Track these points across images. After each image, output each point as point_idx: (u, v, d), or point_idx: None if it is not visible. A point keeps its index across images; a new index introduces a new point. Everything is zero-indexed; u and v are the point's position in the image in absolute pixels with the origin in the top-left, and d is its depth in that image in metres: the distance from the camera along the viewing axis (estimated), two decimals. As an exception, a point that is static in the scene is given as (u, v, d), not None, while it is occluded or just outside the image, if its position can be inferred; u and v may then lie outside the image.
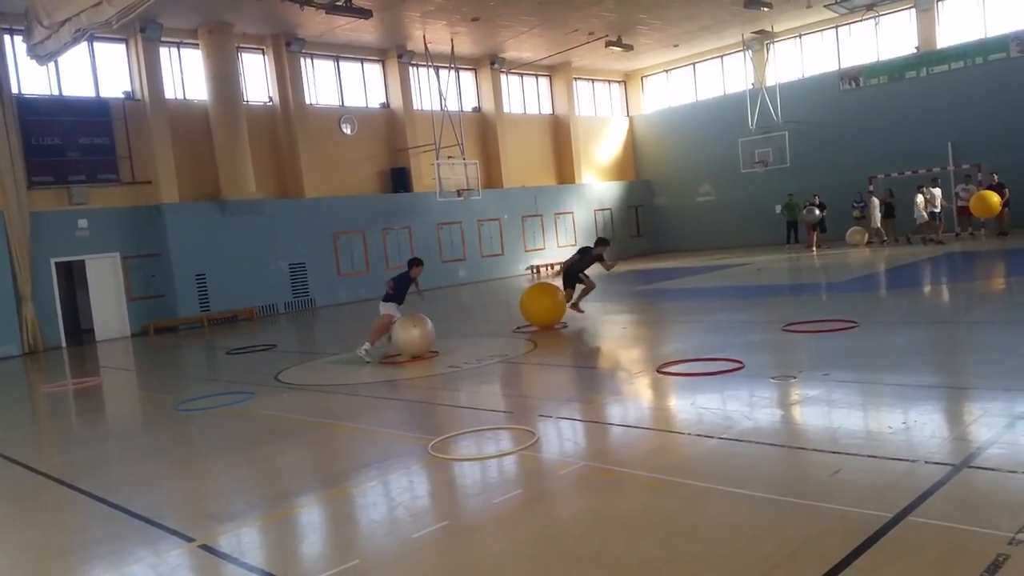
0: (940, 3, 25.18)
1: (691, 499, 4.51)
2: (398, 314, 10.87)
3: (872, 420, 5.87)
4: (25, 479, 6.56)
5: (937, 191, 22.37)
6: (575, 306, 13.02)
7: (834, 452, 4.98)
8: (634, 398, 7.47)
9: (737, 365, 7.88)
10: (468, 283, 25.86)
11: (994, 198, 20.84)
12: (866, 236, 23.77)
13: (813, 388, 6.77)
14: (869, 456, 4.83)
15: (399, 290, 11.16)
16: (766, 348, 9.19)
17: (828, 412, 6.13)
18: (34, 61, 16.21)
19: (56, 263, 18.39)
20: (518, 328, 12.61)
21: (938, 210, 22.24)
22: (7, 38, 17.79)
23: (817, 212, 24.63)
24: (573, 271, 12.98)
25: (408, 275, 11.28)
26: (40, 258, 17.87)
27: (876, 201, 23.91)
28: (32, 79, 18.40)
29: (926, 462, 4.61)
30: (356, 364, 10.69)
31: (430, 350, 10.70)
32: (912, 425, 5.44)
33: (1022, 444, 4.81)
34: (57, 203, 18.37)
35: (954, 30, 25.05)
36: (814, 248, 24.29)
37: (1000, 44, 23.87)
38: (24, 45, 16.31)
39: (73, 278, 20.04)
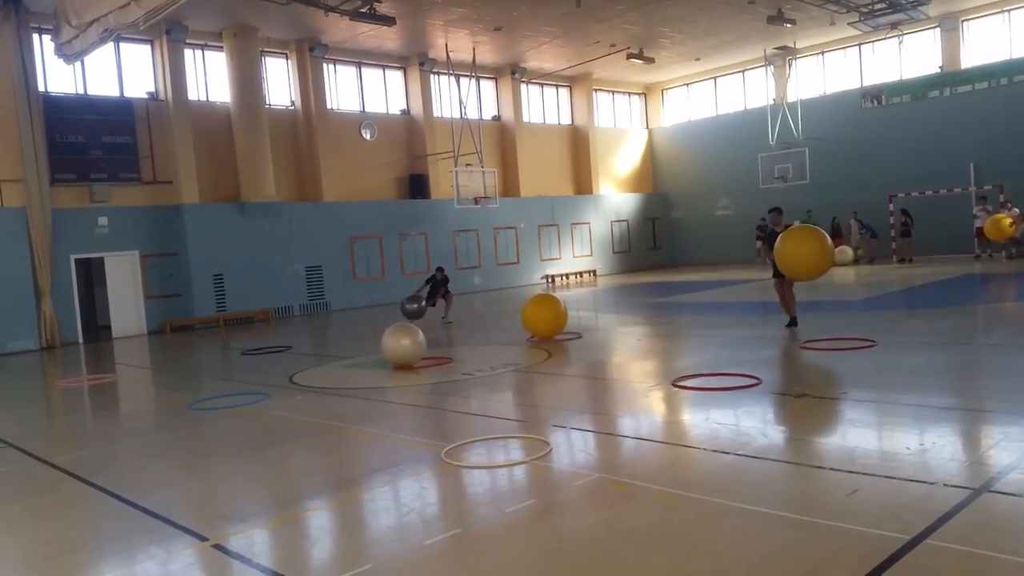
0: (965, 23, 25.03)
1: (706, 515, 4.47)
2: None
3: (889, 440, 5.81)
4: (41, 473, 6.60)
5: None
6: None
7: (851, 472, 4.92)
8: (648, 411, 7.44)
9: (754, 381, 7.82)
10: (483, 291, 25.88)
11: (1005, 221, 20.13)
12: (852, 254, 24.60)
13: (831, 407, 6.72)
14: (887, 477, 4.78)
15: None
16: (783, 365, 9.13)
17: (845, 431, 6.08)
18: (61, 60, 16.47)
19: (76, 259, 18.57)
20: (532, 337, 12.60)
21: None
22: (35, 37, 18.01)
23: None
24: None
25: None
26: (60, 254, 18.04)
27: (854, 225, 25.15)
28: (58, 78, 18.63)
29: (945, 485, 4.55)
30: (370, 368, 10.69)
31: (423, 357, 10.62)
32: (930, 447, 5.37)
33: (1043, 470, 4.74)
34: (79, 200, 18.55)
35: (979, 50, 24.89)
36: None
37: (1025, 65, 23.69)
38: (52, 44, 16.57)
39: (92, 275, 20.22)
